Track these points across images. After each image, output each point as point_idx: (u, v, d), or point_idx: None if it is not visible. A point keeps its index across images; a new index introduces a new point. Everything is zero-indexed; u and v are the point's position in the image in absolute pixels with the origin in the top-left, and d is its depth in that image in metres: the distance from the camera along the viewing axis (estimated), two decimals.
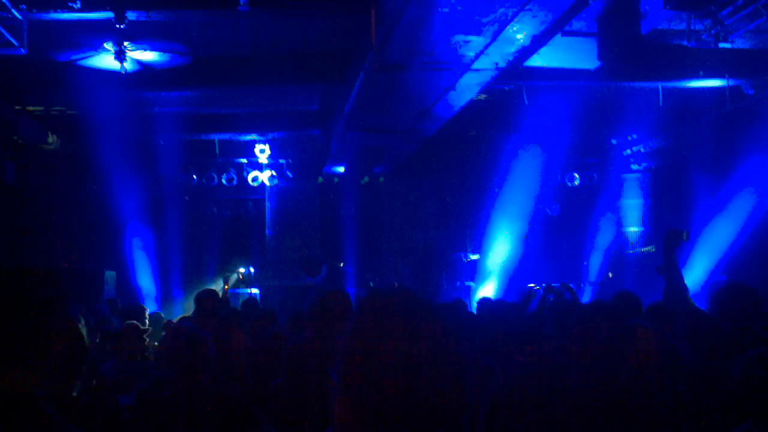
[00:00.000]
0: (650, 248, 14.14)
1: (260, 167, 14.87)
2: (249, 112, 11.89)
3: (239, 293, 13.22)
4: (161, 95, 11.05)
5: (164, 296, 13.55)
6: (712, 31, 7.91)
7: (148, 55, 8.76)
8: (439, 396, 1.27)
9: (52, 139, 11.73)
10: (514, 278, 14.65)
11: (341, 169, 14.64)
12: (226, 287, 9.67)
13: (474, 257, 15.26)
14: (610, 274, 14.24)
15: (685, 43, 8.29)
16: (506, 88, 10.80)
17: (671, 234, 4.67)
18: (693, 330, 3.91)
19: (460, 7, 6.40)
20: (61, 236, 11.80)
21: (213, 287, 9.56)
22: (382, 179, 15.46)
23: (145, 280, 13.52)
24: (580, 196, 15.93)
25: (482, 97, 10.69)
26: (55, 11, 7.77)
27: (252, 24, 8.37)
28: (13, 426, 1.89)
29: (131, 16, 7.66)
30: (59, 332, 2.06)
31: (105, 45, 8.20)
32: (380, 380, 1.25)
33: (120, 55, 8.31)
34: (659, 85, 10.44)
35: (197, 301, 6.35)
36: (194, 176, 14.86)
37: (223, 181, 14.97)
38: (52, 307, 2.05)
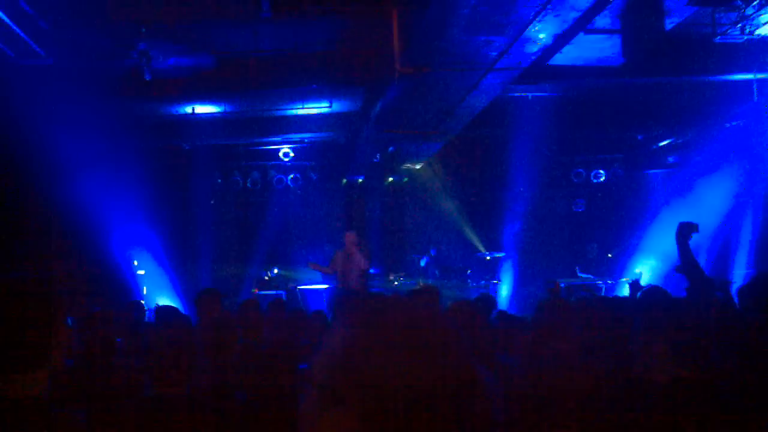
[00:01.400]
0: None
1: (285, 170, 14.94)
2: (273, 115, 11.94)
3: (266, 295, 13.28)
4: (185, 100, 11.13)
5: (190, 298, 13.65)
6: (738, 25, 7.80)
7: (173, 62, 8.86)
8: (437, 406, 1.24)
9: None
10: (537, 274, 14.61)
11: (365, 171, 14.65)
12: (255, 290, 9.74)
13: (498, 255, 15.23)
14: (638, 270, 14.09)
15: (710, 38, 8.18)
16: (528, 87, 10.73)
17: (683, 227, 4.64)
18: (719, 322, 3.86)
19: (481, 8, 6.39)
20: (85, 240, 11.89)
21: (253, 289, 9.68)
22: (406, 180, 15.45)
23: (173, 282, 13.63)
24: (606, 192, 15.83)
25: (505, 95, 10.64)
26: (80, 22, 7.86)
27: (274, 29, 8.41)
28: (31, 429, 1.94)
29: (156, 25, 7.74)
30: (61, 337, 2.11)
31: (129, 53, 8.29)
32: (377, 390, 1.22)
33: (143, 63, 8.40)
34: (685, 80, 10.33)
35: (196, 302, 6.39)
36: (219, 180, 14.97)
37: (248, 184, 15.06)
38: (53, 313, 2.09)
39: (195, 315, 6.44)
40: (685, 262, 4.53)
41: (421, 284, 13.94)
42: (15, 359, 1.99)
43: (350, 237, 10.79)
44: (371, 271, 14.32)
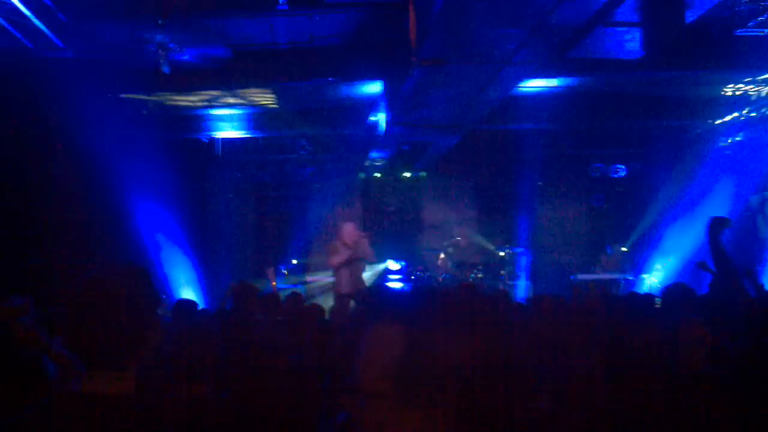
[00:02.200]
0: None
1: (302, 163, 14.96)
2: (290, 109, 11.95)
3: (285, 289, 13.31)
4: (204, 93, 11.17)
5: (210, 293, 13.71)
6: (759, 18, 7.69)
7: (190, 54, 8.89)
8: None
9: None
10: (556, 272, 14.54)
11: (382, 165, 14.65)
12: (273, 283, 9.76)
13: (516, 251, 15.17)
14: (659, 266, 13.99)
15: (730, 31, 8.08)
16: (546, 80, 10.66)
17: (715, 222, 4.59)
18: (749, 317, 3.82)
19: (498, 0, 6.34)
20: (97, 235, 11.97)
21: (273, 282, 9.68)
22: (423, 174, 15.42)
23: (191, 277, 13.68)
24: (626, 187, 15.70)
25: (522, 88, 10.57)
26: (99, 14, 7.91)
27: (290, 22, 8.41)
28: (118, 429, 1.92)
29: (173, 19, 7.77)
30: (150, 334, 2.07)
31: (146, 46, 8.33)
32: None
33: (161, 56, 8.44)
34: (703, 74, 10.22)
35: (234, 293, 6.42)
36: (237, 173, 15.02)
37: (266, 177, 15.10)
38: (146, 307, 2.06)
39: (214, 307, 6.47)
40: (717, 257, 4.48)
41: (441, 279, 13.97)
42: (104, 355, 1.97)
43: (349, 227, 10.57)
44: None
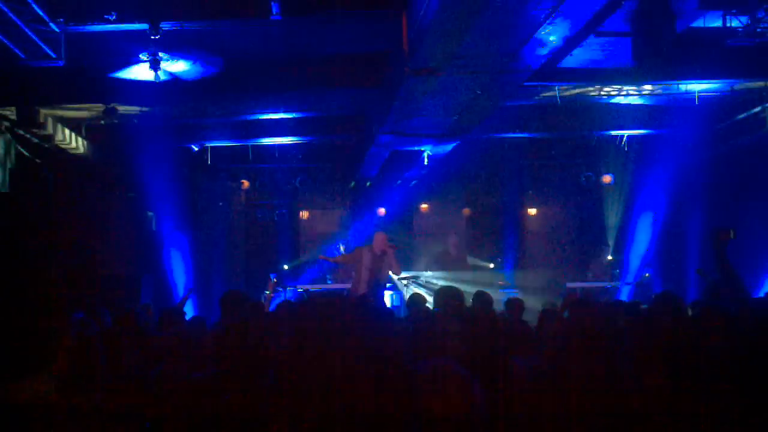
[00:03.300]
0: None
1: (293, 172, 14.96)
2: (282, 117, 11.95)
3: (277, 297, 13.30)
4: (194, 103, 11.16)
5: (202, 300, 13.68)
6: (750, 30, 7.75)
7: (182, 65, 8.88)
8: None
9: (84, 147, 11.95)
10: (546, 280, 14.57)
11: (373, 173, 14.65)
12: (268, 292, 9.75)
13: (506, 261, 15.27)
14: (647, 275, 14.05)
15: (721, 41, 8.13)
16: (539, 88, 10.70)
17: (718, 233, 4.59)
18: (756, 326, 3.82)
19: (491, 11, 6.37)
20: (97, 242, 11.94)
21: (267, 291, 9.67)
22: (414, 182, 15.43)
23: (183, 285, 13.66)
24: (609, 194, 15.75)
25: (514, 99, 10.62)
26: (92, 24, 7.88)
27: (284, 31, 8.41)
28: None
29: (165, 26, 7.75)
30: (68, 340, 2.07)
31: (140, 55, 8.32)
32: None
33: (154, 65, 8.43)
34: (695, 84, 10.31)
35: (222, 302, 6.39)
36: (227, 181, 15.01)
37: (257, 185, 15.08)
38: (59, 313, 2.06)
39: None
40: (720, 264, 4.48)
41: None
42: (17, 363, 1.96)
43: (381, 236, 10.51)
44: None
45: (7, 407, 1.92)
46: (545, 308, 5.37)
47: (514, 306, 7.04)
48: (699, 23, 8.16)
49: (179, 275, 13.57)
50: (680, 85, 10.45)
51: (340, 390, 1.30)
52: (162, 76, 8.65)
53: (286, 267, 15.12)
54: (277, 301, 12.05)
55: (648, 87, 10.74)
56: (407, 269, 14.68)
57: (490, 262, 15.45)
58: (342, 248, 11.51)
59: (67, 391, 3.07)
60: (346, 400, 1.29)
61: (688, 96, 10.85)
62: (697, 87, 10.55)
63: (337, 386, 1.30)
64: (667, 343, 3.13)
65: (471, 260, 15.39)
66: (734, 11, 7.62)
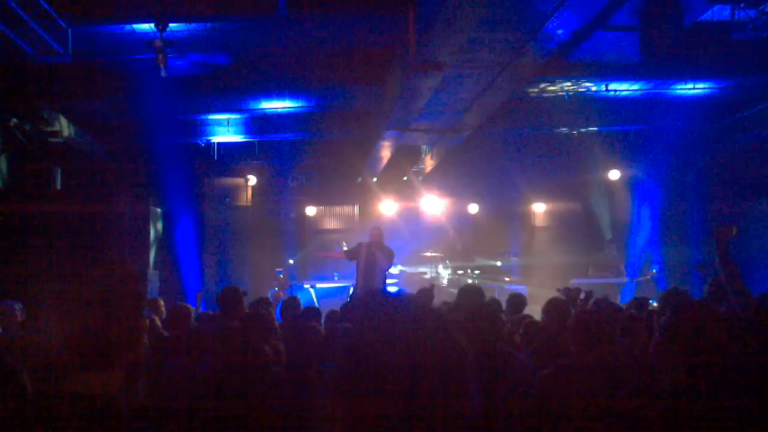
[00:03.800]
0: None
1: (300, 168, 14.98)
2: (287, 113, 11.95)
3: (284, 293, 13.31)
4: (202, 98, 11.17)
5: (209, 295, 13.71)
6: (757, 22, 7.72)
7: (190, 60, 8.90)
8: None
9: (90, 143, 11.99)
10: (552, 274, 14.55)
11: (381, 168, 14.65)
12: (278, 290, 9.74)
13: (514, 259, 15.25)
14: (654, 271, 14.03)
15: (728, 35, 8.09)
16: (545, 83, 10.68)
17: (720, 230, 4.56)
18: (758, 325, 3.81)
19: (498, 5, 6.36)
20: (105, 238, 11.96)
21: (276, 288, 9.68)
22: (420, 178, 15.43)
23: (191, 281, 13.68)
24: (615, 191, 15.73)
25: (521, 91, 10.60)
26: (99, 20, 7.91)
27: (291, 27, 8.41)
28: (103, 428, 1.93)
29: (172, 25, 7.77)
30: (137, 337, 2.09)
31: (147, 51, 8.33)
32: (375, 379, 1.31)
33: (161, 61, 8.44)
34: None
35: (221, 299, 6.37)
36: (234, 176, 15.03)
37: (263, 181, 15.10)
38: (135, 311, 2.07)
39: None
40: (722, 263, 4.45)
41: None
42: (92, 356, 1.98)
43: (375, 232, 10.49)
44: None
45: (77, 397, 1.94)
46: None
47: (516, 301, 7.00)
48: (707, 17, 8.14)
49: (186, 271, 13.59)
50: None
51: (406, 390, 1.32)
52: (170, 72, 8.65)
53: (291, 262, 15.14)
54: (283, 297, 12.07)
55: None
56: (414, 265, 14.71)
57: (498, 259, 15.43)
58: (344, 245, 11.48)
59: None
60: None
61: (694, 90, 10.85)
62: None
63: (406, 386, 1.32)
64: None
65: (478, 260, 15.35)
66: (742, 5, 7.58)
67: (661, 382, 2.99)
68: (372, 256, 10.18)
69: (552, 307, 4.95)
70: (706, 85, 10.58)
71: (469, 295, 5.35)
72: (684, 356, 2.61)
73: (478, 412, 1.32)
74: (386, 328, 1.34)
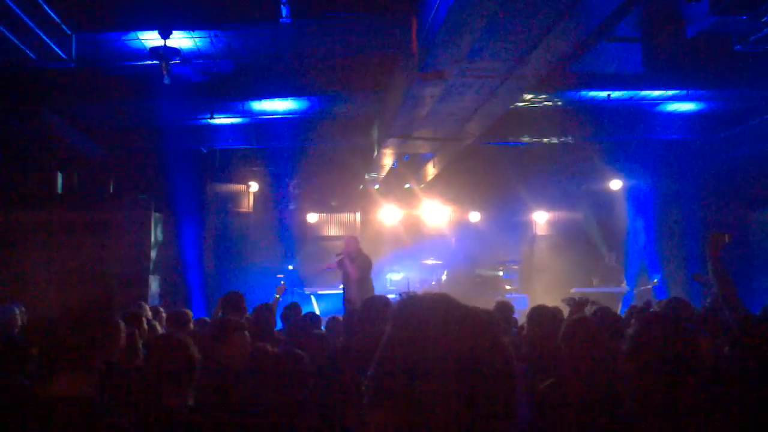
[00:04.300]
0: None
1: (301, 174, 15.00)
2: (290, 120, 11.98)
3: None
4: (204, 105, 11.20)
5: (210, 302, 13.71)
6: (759, 35, 7.73)
7: (193, 66, 8.92)
8: (484, 398, 1.28)
9: (94, 149, 12.01)
10: (553, 283, 14.53)
11: (382, 176, 14.67)
12: (277, 296, 9.74)
13: (513, 266, 15.23)
14: (655, 281, 14.01)
15: (730, 47, 8.11)
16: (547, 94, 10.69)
17: (714, 238, 4.58)
18: (747, 334, 3.82)
19: (500, 15, 6.38)
20: (107, 242, 11.99)
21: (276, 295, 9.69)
22: (422, 185, 15.43)
23: (192, 286, 13.68)
24: (615, 201, 15.71)
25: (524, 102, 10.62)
26: (103, 28, 7.94)
27: (294, 34, 8.44)
28: (77, 428, 1.94)
29: (176, 32, 7.80)
30: (115, 339, 2.10)
31: (150, 58, 8.36)
32: (417, 381, 1.27)
33: (164, 68, 8.46)
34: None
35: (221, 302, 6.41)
36: (236, 182, 15.06)
37: (264, 187, 15.12)
38: (110, 313, 2.09)
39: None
40: (714, 271, 4.47)
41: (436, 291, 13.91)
42: (65, 358, 1.98)
43: (347, 242, 10.39)
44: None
45: (48, 400, 1.94)
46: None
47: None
48: (709, 29, 8.15)
49: (187, 276, 13.60)
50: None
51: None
52: (172, 78, 8.67)
53: (290, 267, 15.13)
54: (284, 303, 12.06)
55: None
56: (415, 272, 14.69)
57: (498, 269, 15.40)
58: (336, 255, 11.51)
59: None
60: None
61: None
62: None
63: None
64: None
65: (479, 270, 15.33)
66: (744, 17, 7.59)
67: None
68: (344, 265, 10.21)
69: (540, 316, 4.95)
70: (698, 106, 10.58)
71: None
72: (646, 368, 2.58)
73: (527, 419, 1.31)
74: (425, 332, 1.30)
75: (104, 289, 2.07)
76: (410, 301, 1.39)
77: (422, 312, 1.35)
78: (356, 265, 10.03)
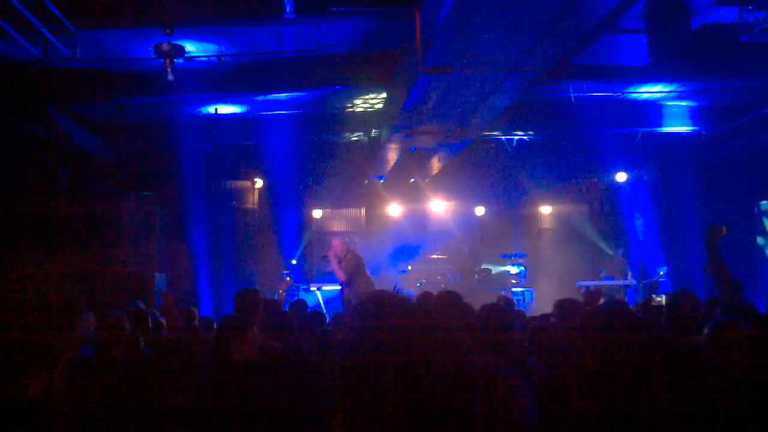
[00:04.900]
0: None
1: (306, 171, 14.99)
2: (295, 115, 11.97)
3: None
4: (209, 101, 11.21)
5: (217, 300, 13.72)
6: (765, 25, 7.69)
7: (197, 63, 8.93)
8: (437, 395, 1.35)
9: (98, 146, 12.03)
10: (559, 276, 14.52)
11: (387, 171, 14.65)
12: (281, 292, 9.77)
13: (519, 258, 15.21)
14: (661, 273, 13.99)
15: (736, 37, 8.07)
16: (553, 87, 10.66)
17: (711, 230, 4.64)
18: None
19: (505, 8, 6.35)
20: (113, 240, 12.01)
21: (280, 291, 9.73)
22: (427, 180, 15.41)
23: (199, 283, 13.70)
24: (627, 194, 15.68)
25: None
26: (107, 25, 7.94)
27: (297, 30, 8.43)
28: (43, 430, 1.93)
29: (180, 30, 7.80)
30: (75, 340, 2.08)
31: (154, 54, 8.36)
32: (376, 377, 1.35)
33: (168, 65, 8.45)
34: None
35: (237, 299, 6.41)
36: (241, 180, 15.06)
37: (269, 184, 15.12)
38: (71, 314, 2.07)
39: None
40: (712, 263, 4.51)
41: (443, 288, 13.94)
42: (21, 358, 1.97)
43: (334, 244, 10.45)
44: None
45: (13, 401, 1.93)
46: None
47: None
48: (714, 19, 8.12)
49: (194, 274, 13.61)
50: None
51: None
52: (176, 74, 8.67)
53: (294, 262, 15.13)
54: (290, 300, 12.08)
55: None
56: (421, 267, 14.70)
57: (506, 263, 15.40)
58: (322, 258, 11.54)
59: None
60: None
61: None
62: None
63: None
64: None
65: (485, 266, 15.32)
66: (750, 7, 7.56)
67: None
68: (332, 268, 10.26)
69: (571, 306, 4.97)
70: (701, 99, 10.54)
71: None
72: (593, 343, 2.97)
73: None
74: (387, 329, 1.39)
75: (63, 288, 2.04)
76: (374, 297, 1.53)
77: (380, 306, 1.48)
78: (342, 267, 10.08)
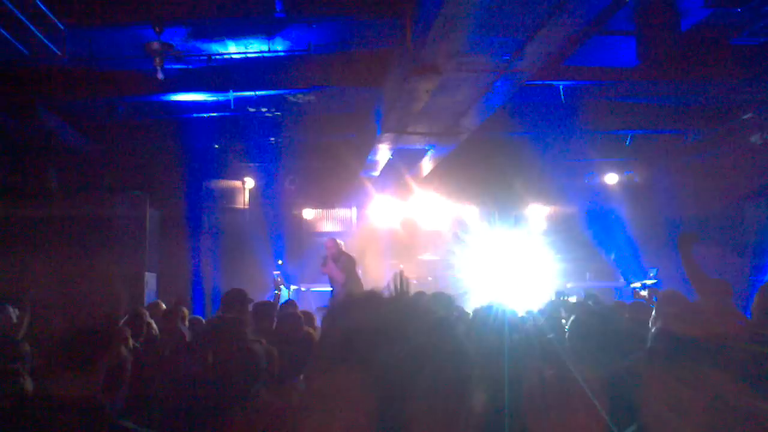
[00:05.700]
0: None
1: (297, 170, 14.97)
2: (286, 115, 11.93)
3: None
4: (198, 101, 11.17)
5: (207, 298, 13.69)
6: (755, 27, 7.73)
7: (186, 61, 8.90)
8: None
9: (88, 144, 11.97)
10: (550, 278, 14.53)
11: (378, 171, 14.63)
12: (278, 292, 9.78)
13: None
14: (652, 274, 14.03)
15: (726, 39, 8.11)
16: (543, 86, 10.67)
17: (683, 237, 4.69)
18: None
19: (495, 9, 6.36)
20: (102, 240, 11.96)
21: (276, 291, 9.74)
22: (418, 180, 15.38)
23: (189, 283, 13.66)
24: (618, 195, 15.71)
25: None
26: (96, 23, 7.91)
27: (287, 30, 8.41)
28: (86, 428, 1.93)
29: (169, 27, 7.77)
30: (119, 340, 2.09)
31: (144, 53, 8.33)
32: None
33: (158, 63, 8.43)
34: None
35: (225, 299, 6.40)
36: (232, 177, 15.02)
37: (261, 184, 15.08)
38: (114, 313, 2.08)
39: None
40: (686, 268, 4.54)
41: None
42: (69, 357, 1.97)
43: (328, 244, 10.44)
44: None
45: (51, 399, 1.93)
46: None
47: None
48: (704, 21, 8.14)
49: (183, 273, 13.57)
50: None
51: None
52: (165, 73, 8.65)
53: (280, 262, 15.09)
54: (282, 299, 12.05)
55: None
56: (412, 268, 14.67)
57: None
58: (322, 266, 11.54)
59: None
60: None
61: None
62: None
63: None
64: None
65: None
66: (739, 9, 7.59)
67: None
68: (328, 270, 10.26)
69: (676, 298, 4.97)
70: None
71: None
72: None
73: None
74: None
75: (110, 290, 2.04)
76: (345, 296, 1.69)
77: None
78: (340, 267, 10.09)
